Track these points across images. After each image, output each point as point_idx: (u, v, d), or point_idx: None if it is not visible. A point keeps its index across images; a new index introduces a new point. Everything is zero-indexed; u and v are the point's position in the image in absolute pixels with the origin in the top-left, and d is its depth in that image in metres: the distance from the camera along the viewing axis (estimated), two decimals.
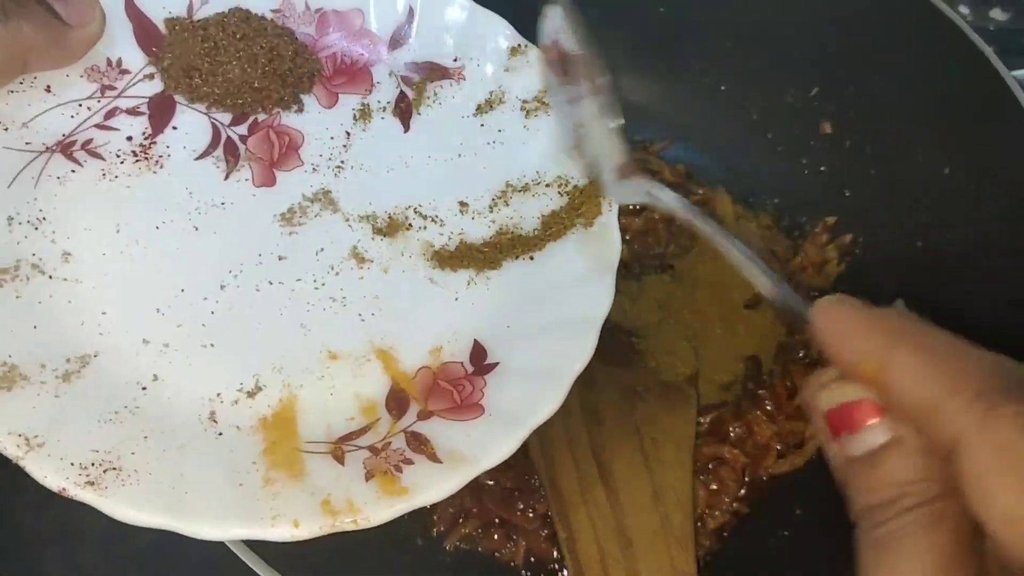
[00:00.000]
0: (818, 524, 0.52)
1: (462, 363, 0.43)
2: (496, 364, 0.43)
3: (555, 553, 0.52)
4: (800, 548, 0.52)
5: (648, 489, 0.51)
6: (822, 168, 0.61)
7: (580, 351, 0.41)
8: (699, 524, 0.52)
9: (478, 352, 0.43)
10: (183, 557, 0.57)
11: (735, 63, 0.61)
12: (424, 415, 0.41)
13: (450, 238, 0.48)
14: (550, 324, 0.43)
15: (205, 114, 0.48)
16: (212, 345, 0.42)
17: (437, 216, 0.48)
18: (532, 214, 0.48)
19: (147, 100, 0.48)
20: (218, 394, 0.40)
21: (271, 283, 0.44)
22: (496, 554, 0.52)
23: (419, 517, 0.53)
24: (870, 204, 0.58)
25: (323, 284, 0.45)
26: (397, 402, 0.42)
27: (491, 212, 0.49)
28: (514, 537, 0.52)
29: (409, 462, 0.38)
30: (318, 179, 0.48)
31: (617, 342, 0.58)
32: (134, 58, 0.48)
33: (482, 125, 0.51)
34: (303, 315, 0.44)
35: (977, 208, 0.51)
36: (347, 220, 0.47)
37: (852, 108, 0.59)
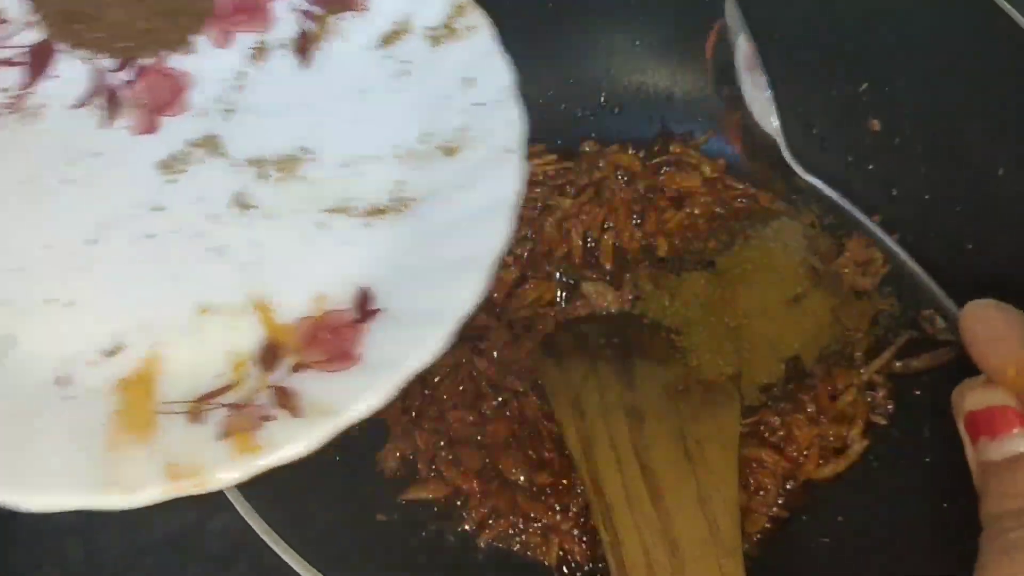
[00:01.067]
0: (861, 532, 0.50)
1: (346, 311, 0.40)
2: (380, 310, 0.39)
3: (589, 553, 0.51)
4: (841, 556, 0.50)
5: (694, 493, 0.49)
6: (869, 166, 0.59)
7: (468, 293, 0.38)
8: None
9: (363, 298, 0.40)
10: (203, 544, 0.58)
11: (780, 55, 0.58)
12: (298, 367, 0.37)
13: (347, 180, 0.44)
14: (439, 264, 0.39)
15: (88, 60, 0.45)
16: (72, 304, 0.39)
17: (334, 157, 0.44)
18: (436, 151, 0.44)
19: (26, 49, 0.45)
20: (76, 355, 0.38)
21: (145, 236, 0.41)
22: (529, 553, 0.51)
23: (449, 514, 0.52)
24: (918, 204, 0.56)
25: (200, 234, 0.41)
26: (269, 356, 0.38)
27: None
28: (548, 536, 0.51)
29: (270, 418, 0.35)
30: (205, 124, 0.45)
31: (657, 339, 0.56)
32: (13, 5, 0.45)
33: (388, 58, 0.47)
34: (176, 268, 0.40)
35: None
36: (233, 165, 0.43)
37: (903, 105, 0.56)
